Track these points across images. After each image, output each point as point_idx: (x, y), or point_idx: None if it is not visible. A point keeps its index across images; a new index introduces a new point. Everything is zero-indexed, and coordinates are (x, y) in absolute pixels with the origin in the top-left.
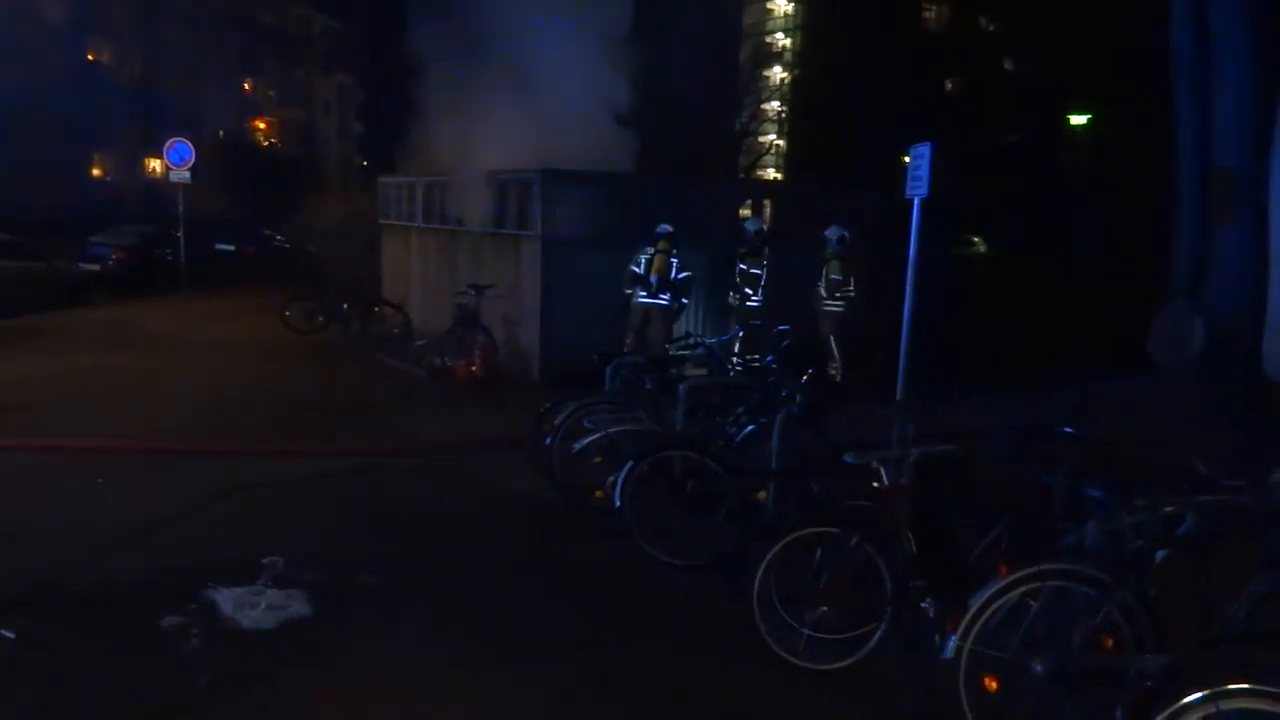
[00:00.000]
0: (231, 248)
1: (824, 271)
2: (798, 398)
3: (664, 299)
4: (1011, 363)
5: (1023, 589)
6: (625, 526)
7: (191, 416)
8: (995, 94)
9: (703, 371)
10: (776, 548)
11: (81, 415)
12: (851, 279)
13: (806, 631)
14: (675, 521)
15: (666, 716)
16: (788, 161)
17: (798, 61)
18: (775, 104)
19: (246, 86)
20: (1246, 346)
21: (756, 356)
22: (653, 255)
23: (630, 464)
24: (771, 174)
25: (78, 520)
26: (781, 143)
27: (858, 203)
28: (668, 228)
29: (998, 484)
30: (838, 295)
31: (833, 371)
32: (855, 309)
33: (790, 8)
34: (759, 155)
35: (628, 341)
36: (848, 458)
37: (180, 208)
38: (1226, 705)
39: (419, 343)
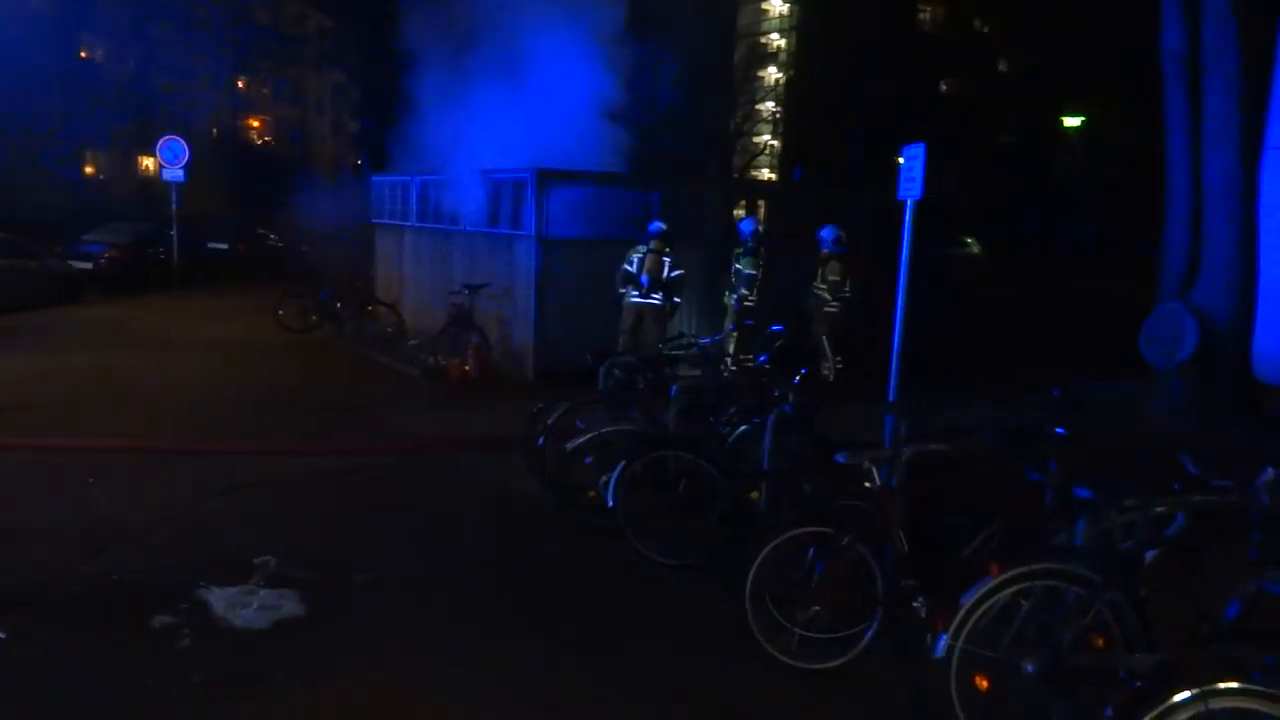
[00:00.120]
0: (224, 246)
1: (821, 272)
2: (790, 398)
3: (656, 299)
4: (1003, 363)
5: (1014, 588)
6: (618, 526)
7: (184, 415)
8: (989, 95)
9: (697, 372)
10: (769, 547)
11: (73, 414)
12: (848, 279)
13: (799, 631)
14: (668, 521)
15: (659, 716)
16: (782, 162)
17: (792, 62)
18: (770, 104)
19: (240, 84)
20: (1236, 347)
21: (750, 356)
22: (645, 254)
23: (623, 464)
24: (766, 174)
25: (69, 520)
26: (776, 143)
27: (852, 203)
28: (661, 225)
29: (989, 484)
30: (835, 296)
31: (825, 371)
32: (851, 309)
33: (785, 8)
34: (753, 155)
35: (622, 342)
36: (840, 458)
37: (173, 206)
38: (1216, 704)
39: (412, 342)
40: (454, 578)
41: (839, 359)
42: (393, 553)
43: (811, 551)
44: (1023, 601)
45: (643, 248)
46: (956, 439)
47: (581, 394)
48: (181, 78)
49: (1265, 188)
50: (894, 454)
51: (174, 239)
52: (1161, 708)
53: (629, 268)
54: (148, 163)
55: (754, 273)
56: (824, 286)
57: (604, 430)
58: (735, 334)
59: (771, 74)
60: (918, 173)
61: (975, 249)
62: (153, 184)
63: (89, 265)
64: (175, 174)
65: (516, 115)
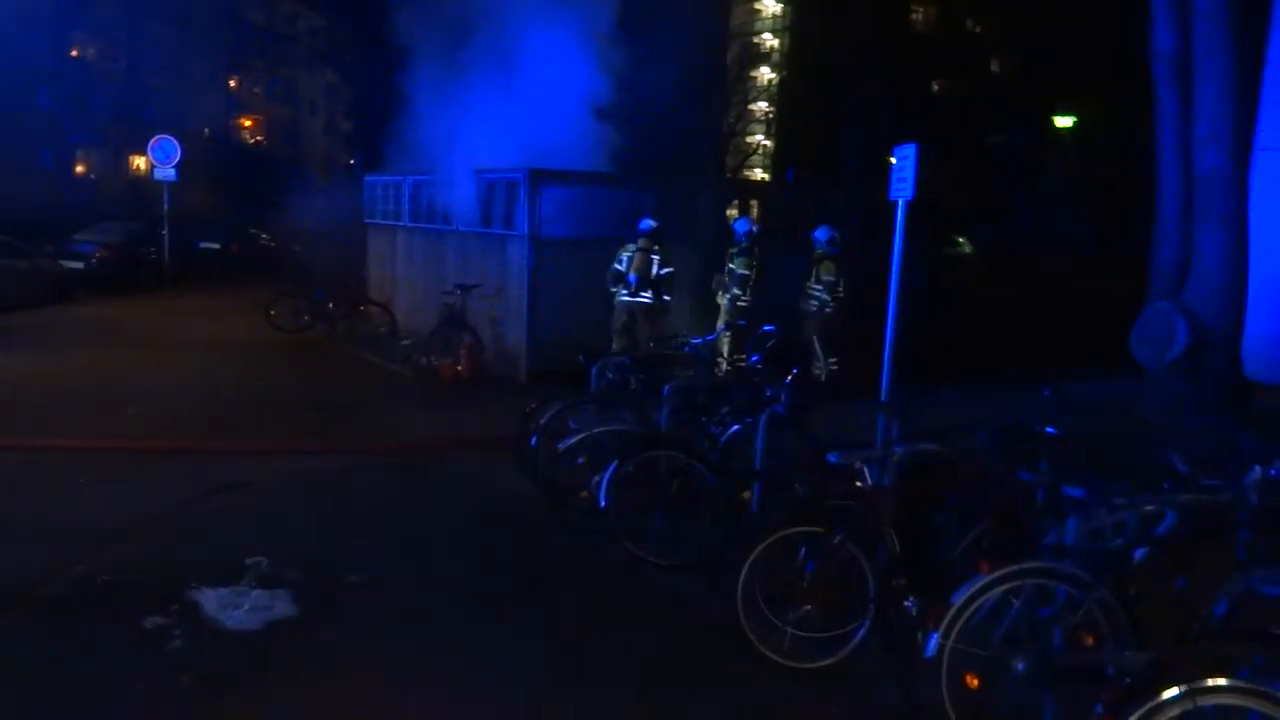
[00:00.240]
0: (216, 246)
1: (815, 272)
2: (782, 398)
3: (646, 296)
4: (994, 362)
5: (1004, 587)
6: (610, 526)
7: (176, 416)
8: (982, 95)
9: (690, 372)
10: (760, 547)
11: (64, 414)
12: (842, 279)
13: (790, 630)
14: (660, 521)
15: (652, 716)
16: (775, 162)
17: (785, 62)
18: (763, 104)
19: (232, 84)
20: (1227, 347)
21: (743, 357)
22: (634, 253)
23: (615, 464)
24: (759, 174)
25: (60, 520)
26: (769, 143)
27: (845, 203)
28: (651, 223)
29: (980, 483)
30: (830, 296)
31: (817, 371)
32: (846, 309)
33: (778, 9)
34: (747, 155)
35: (615, 342)
36: (831, 457)
37: (165, 205)
38: (1204, 701)
39: (405, 342)
40: (446, 578)
41: (833, 360)
42: (385, 553)
43: (803, 551)
44: (1013, 600)
45: (632, 246)
46: (947, 438)
47: (574, 394)
48: (173, 77)
49: (1256, 188)
50: (885, 454)
51: (165, 238)
52: (1150, 705)
53: (619, 266)
54: (139, 162)
55: (747, 273)
56: (819, 286)
57: (596, 430)
58: (729, 334)
59: (764, 74)
60: (909, 173)
61: (968, 248)
62: (144, 183)
63: (80, 265)
64: (167, 173)
65: (509, 115)
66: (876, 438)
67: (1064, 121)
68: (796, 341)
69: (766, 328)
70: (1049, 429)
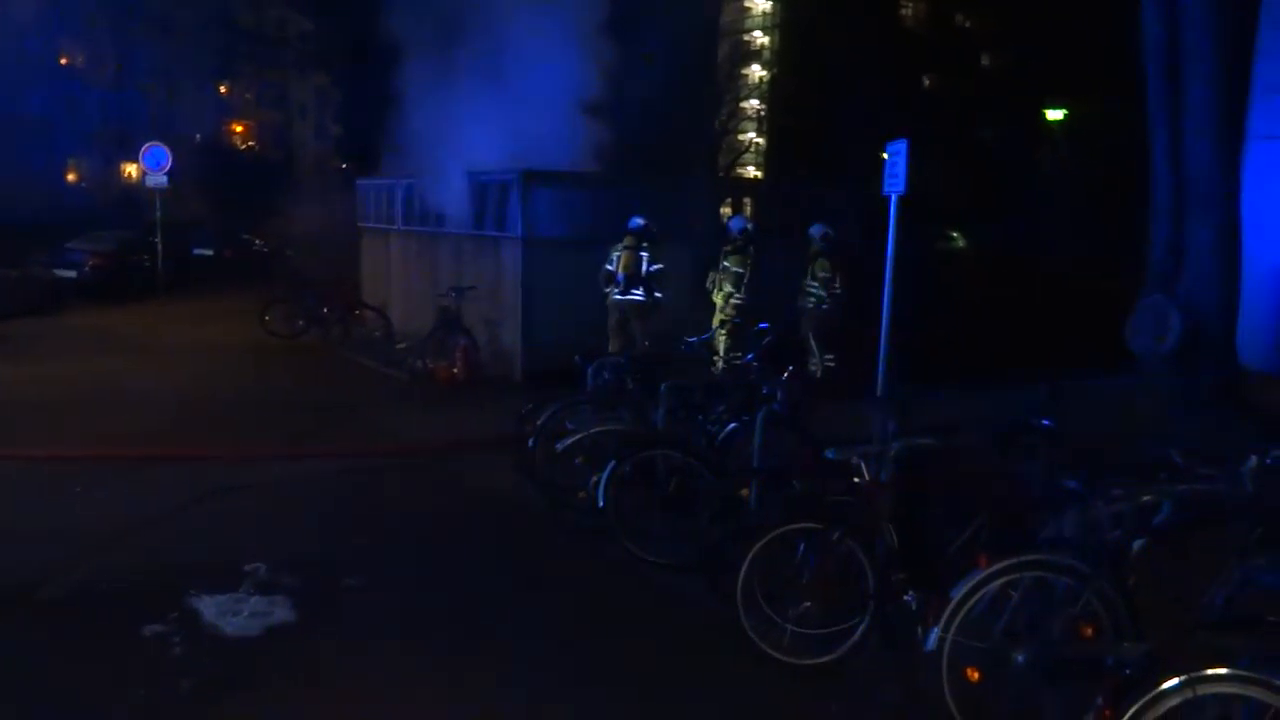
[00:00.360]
0: (209, 252)
1: (810, 270)
2: (779, 395)
3: (637, 294)
4: (989, 357)
5: (1003, 580)
6: (608, 526)
7: (171, 422)
8: (973, 91)
9: (686, 371)
10: (759, 545)
11: (60, 422)
12: (838, 277)
13: (790, 627)
14: (658, 521)
15: (652, 714)
16: (768, 159)
17: (776, 60)
18: (755, 102)
19: (223, 89)
20: (1221, 338)
21: (739, 354)
22: (622, 251)
23: (613, 464)
24: (752, 172)
25: (58, 526)
26: (761, 141)
27: (838, 200)
28: (639, 221)
29: (977, 477)
30: (826, 293)
31: (813, 368)
32: (842, 306)
33: (768, 6)
34: (739, 153)
35: (611, 342)
36: (829, 454)
37: (157, 212)
38: (1204, 690)
39: (400, 345)
40: (444, 580)
41: (829, 357)
42: (383, 556)
43: (802, 547)
44: (1012, 593)
45: (621, 245)
46: (945, 433)
47: (571, 395)
48: (164, 83)
49: (1248, 178)
50: (883, 449)
51: (158, 245)
52: (1150, 695)
53: (609, 267)
54: (131, 169)
55: (742, 271)
56: (814, 284)
57: (593, 430)
58: (724, 332)
59: (756, 72)
60: (901, 168)
61: (961, 244)
62: (136, 190)
63: (73, 273)
64: (159, 180)
65: (501, 117)
66: (874, 433)
67: (1054, 114)
68: (793, 339)
69: (762, 325)
70: (1045, 422)
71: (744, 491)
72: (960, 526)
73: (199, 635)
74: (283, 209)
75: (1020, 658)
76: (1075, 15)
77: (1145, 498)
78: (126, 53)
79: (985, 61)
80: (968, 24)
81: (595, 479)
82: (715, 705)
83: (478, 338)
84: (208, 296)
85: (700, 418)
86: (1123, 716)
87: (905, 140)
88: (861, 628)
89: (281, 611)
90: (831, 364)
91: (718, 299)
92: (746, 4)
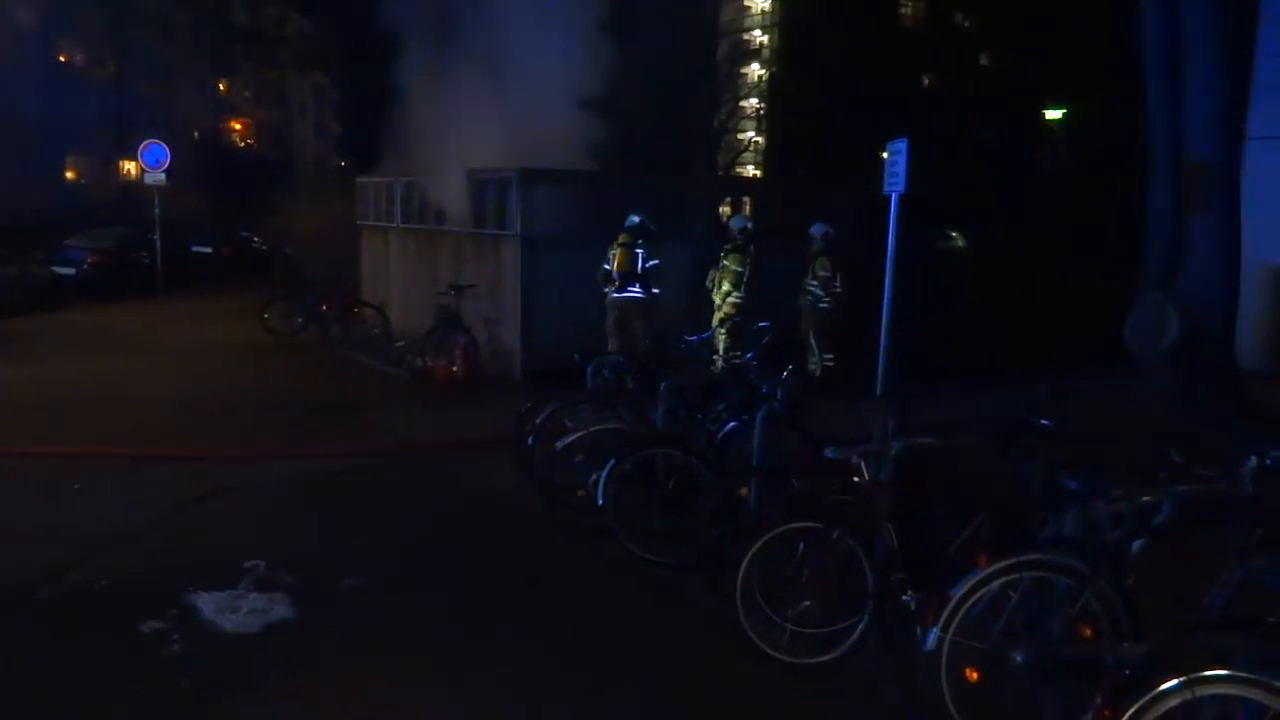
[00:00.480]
0: (208, 250)
1: (811, 268)
2: (778, 394)
3: (634, 291)
4: (988, 356)
5: (1002, 580)
6: (608, 525)
7: (170, 420)
8: (972, 89)
9: (686, 370)
10: (759, 544)
11: (59, 420)
12: (838, 276)
13: (789, 626)
14: (657, 519)
15: (651, 714)
16: (767, 158)
17: (774, 59)
18: (754, 101)
19: (221, 87)
20: (1220, 336)
21: (738, 353)
22: (617, 249)
23: (612, 462)
24: (751, 171)
25: (56, 525)
26: (760, 140)
27: (838, 199)
28: (635, 219)
29: (977, 477)
30: (826, 292)
31: (812, 367)
32: (843, 305)
33: (767, 5)
34: (738, 152)
35: (611, 342)
36: (829, 453)
37: (156, 210)
38: (1203, 691)
39: (399, 344)
40: (444, 579)
41: (829, 356)
42: (382, 554)
43: (801, 547)
44: (1011, 593)
45: (617, 243)
46: (944, 433)
47: (570, 393)
48: (162, 81)
49: (1247, 177)
50: (882, 448)
51: (157, 243)
52: (1149, 696)
53: (607, 265)
54: (129, 167)
55: (742, 270)
56: (815, 282)
57: (593, 429)
58: (724, 331)
59: (755, 70)
60: (901, 167)
61: (960, 243)
62: (135, 188)
63: (71, 270)
64: (157, 178)
65: (500, 116)
66: (873, 433)
67: (1054, 114)
68: (792, 338)
69: (761, 324)
70: (1045, 422)
71: (743, 490)
72: (960, 526)
73: (198, 633)
74: (282, 207)
75: (1019, 658)
76: (1075, 15)
77: (1145, 498)
78: (125, 51)
79: (985, 61)
80: (967, 23)
81: (594, 478)
82: (715, 704)
83: (477, 336)
84: (206, 295)
85: (700, 416)
86: (1122, 717)
87: (905, 139)
88: (861, 627)
89: (280, 609)
90: (831, 363)
91: (717, 298)
92: (746, 3)
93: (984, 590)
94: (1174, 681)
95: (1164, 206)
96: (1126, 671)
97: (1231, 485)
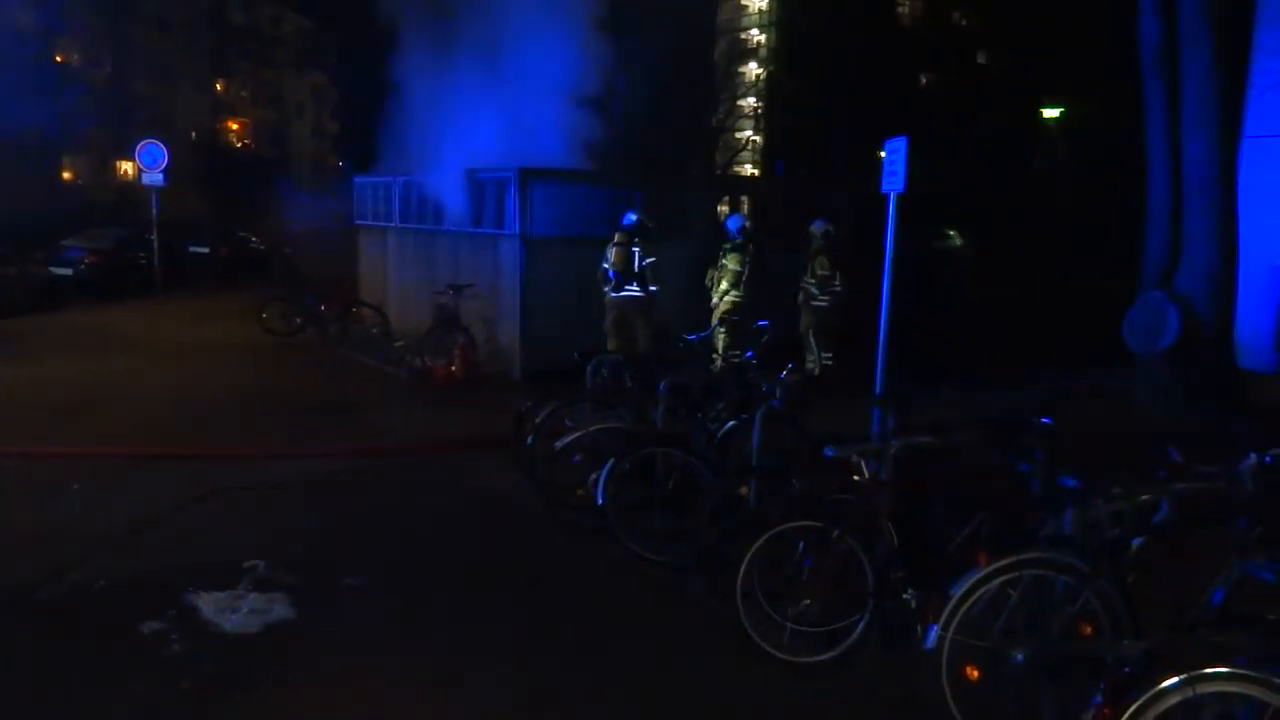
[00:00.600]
0: (206, 250)
1: (811, 266)
2: (778, 393)
3: (632, 290)
4: (990, 355)
5: (1002, 578)
6: (607, 524)
7: (169, 420)
8: (970, 88)
9: (685, 369)
10: (759, 543)
11: (57, 420)
12: (837, 274)
13: (790, 625)
14: (657, 519)
15: (652, 713)
16: (765, 157)
17: (773, 58)
18: (751, 100)
19: (218, 87)
20: (1218, 335)
21: (738, 352)
22: (613, 248)
23: (612, 462)
24: (749, 170)
25: (56, 525)
26: (758, 139)
27: (836, 198)
28: (633, 217)
29: (977, 475)
30: (825, 290)
31: (810, 365)
32: (841, 303)
33: (765, 4)
34: (736, 151)
35: (610, 342)
36: (828, 452)
37: (154, 210)
38: (1203, 689)
39: (398, 343)
40: (444, 579)
41: (828, 354)
42: (382, 555)
43: (801, 546)
44: (1011, 591)
45: (614, 242)
46: (944, 431)
47: (569, 393)
48: (159, 81)
49: (1245, 176)
50: (882, 447)
51: (155, 243)
52: (1150, 694)
53: (605, 264)
54: (126, 167)
55: (741, 269)
56: (813, 280)
57: (592, 428)
58: (723, 330)
59: (752, 69)
60: (900, 166)
61: (959, 242)
62: (132, 188)
63: (69, 271)
64: (155, 178)
65: (498, 114)
66: (873, 431)
67: (1052, 113)
68: (792, 337)
69: (761, 323)
70: (1044, 420)
71: (743, 489)
72: (960, 525)
73: (198, 632)
74: (280, 206)
75: (1020, 656)
76: (1073, 14)
77: (1144, 496)
78: (122, 51)
79: (982, 60)
80: (964, 22)
81: (594, 477)
82: (715, 703)
83: (476, 336)
84: (204, 295)
85: (699, 416)
86: (1122, 715)
87: (904, 138)
88: (861, 626)
89: (280, 609)
90: (830, 362)
91: (715, 296)
92: (743, 2)
93: (984, 589)
94: (1174, 679)
95: (1162, 205)
96: (1127, 669)
97: (1231, 483)
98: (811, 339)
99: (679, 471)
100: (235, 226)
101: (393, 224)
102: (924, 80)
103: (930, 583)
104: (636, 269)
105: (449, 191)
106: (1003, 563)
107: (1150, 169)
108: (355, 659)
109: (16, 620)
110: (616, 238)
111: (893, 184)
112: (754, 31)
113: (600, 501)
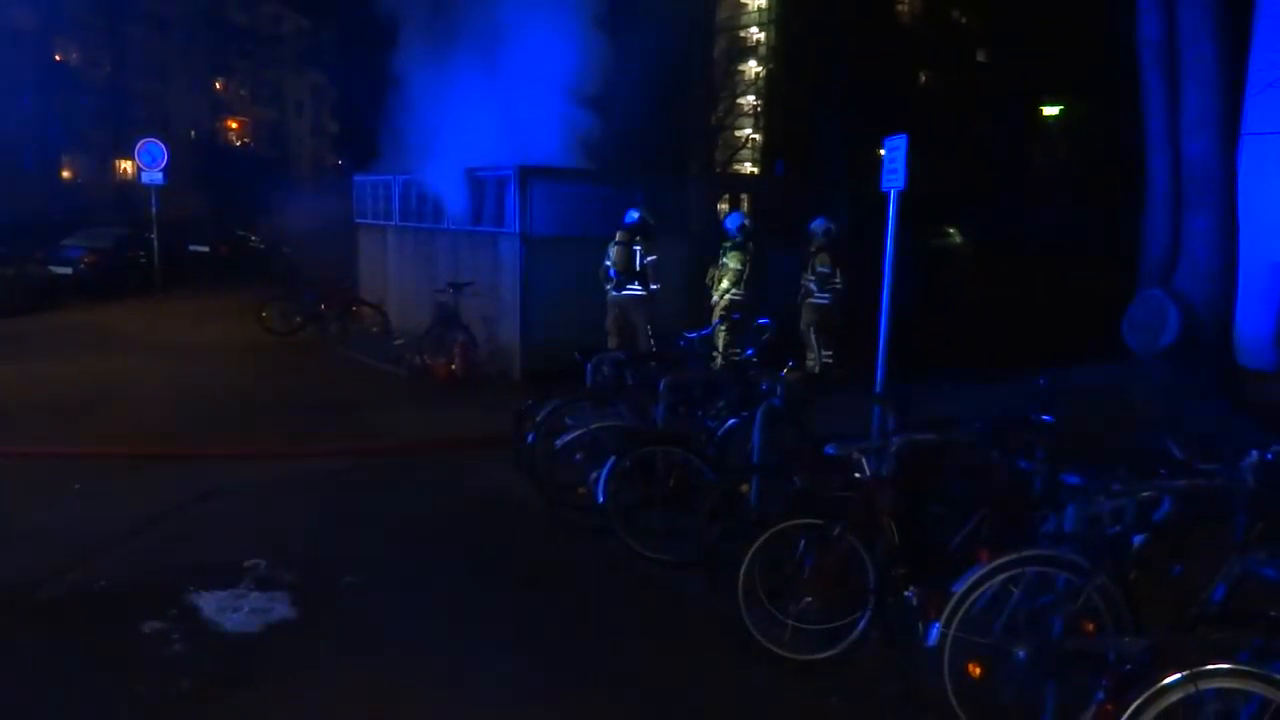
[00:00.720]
0: (205, 249)
1: (811, 264)
2: (778, 391)
3: (633, 288)
4: (989, 353)
5: (1004, 575)
6: (608, 523)
7: (170, 420)
8: (969, 86)
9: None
10: (760, 541)
11: (57, 420)
12: (838, 272)
13: (791, 623)
14: (658, 517)
15: (653, 712)
16: (764, 156)
17: (772, 56)
18: (751, 98)
19: (218, 86)
20: (1219, 333)
21: (738, 350)
22: (614, 247)
23: (612, 460)
24: (749, 168)
25: (56, 525)
26: (758, 137)
27: (835, 196)
28: (634, 215)
29: (978, 472)
30: (825, 288)
31: (810, 363)
32: (842, 301)
33: (764, 2)
34: (736, 150)
35: (610, 340)
36: (829, 449)
37: (153, 209)
38: (1205, 685)
39: (398, 342)
40: (445, 577)
41: (828, 353)
42: (382, 553)
43: (803, 543)
44: (1013, 588)
45: (615, 240)
46: (944, 429)
47: (570, 391)
48: (158, 80)
49: (1245, 173)
50: (883, 444)
51: (154, 242)
52: (1152, 690)
53: (607, 263)
54: (126, 166)
55: (741, 267)
56: (813, 279)
57: (593, 427)
58: (723, 328)
59: (752, 68)
60: (900, 163)
61: (958, 240)
62: (131, 187)
63: (69, 270)
64: (154, 177)
65: (497, 112)
66: (873, 429)
67: (1051, 110)
68: (792, 335)
69: (761, 321)
70: (1045, 417)
71: (744, 487)
72: (961, 522)
73: (199, 632)
74: (279, 205)
75: (1021, 653)
76: (1072, 12)
77: (1145, 493)
78: (120, 50)
79: (981, 58)
80: (963, 20)
81: (595, 475)
82: (717, 701)
83: (476, 334)
84: (204, 293)
85: (700, 414)
86: (1124, 711)
87: (905, 136)
88: (863, 623)
89: (281, 608)
90: (830, 360)
91: (716, 295)
92: (742, 0)
93: (986, 586)
94: (1176, 675)
95: (1161, 203)
96: (1128, 666)
97: (1232, 480)
98: (812, 337)
99: (680, 470)
100: (235, 225)
101: (392, 222)
102: (923, 78)
103: (932, 580)
104: (638, 268)
105: (449, 190)
106: (1004, 560)
107: (1149, 166)
108: (355, 658)
109: (17, 620)
110: (618, 236)
111: (893, 181)
112: (753, 29)
113: (601, 500)
